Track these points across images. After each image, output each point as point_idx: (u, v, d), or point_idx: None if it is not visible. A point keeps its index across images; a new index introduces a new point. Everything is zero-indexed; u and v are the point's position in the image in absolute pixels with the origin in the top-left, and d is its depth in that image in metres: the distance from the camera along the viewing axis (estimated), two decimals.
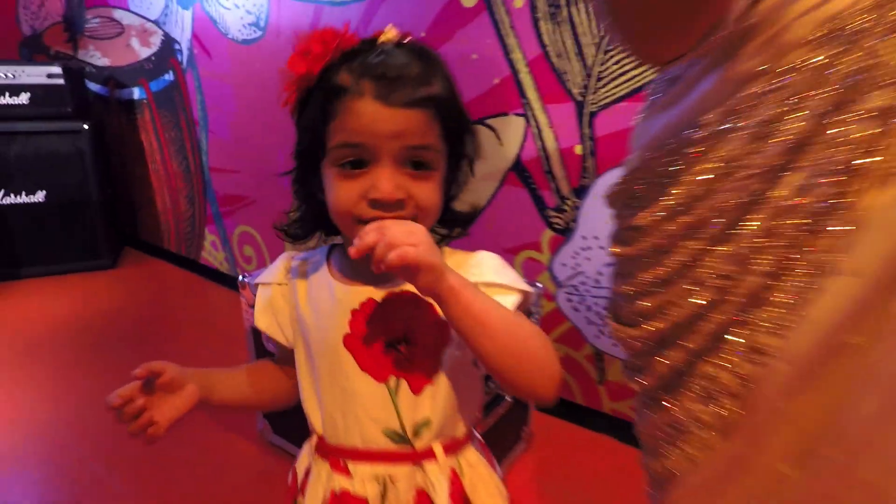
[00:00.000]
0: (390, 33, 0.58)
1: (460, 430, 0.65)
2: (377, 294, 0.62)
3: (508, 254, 1.70)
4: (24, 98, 2.60)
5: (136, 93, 2.86)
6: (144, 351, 2.11)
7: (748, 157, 0.42)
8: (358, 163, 0.56)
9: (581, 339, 1.62)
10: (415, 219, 0.57)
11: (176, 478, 1.44)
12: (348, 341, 0.61)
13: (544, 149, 1.56)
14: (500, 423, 1.37)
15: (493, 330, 0.53)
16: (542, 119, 1.53)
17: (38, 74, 2.59)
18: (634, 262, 0.54)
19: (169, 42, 2.57)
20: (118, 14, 2.79)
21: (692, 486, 0.50)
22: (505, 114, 1.60)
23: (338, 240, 0.70)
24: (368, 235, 0.50)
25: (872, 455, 0.41)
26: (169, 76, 2.64)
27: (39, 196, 2.70)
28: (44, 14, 3.08)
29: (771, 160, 0.41)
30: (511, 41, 1.52)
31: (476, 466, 0.67)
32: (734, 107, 0.43)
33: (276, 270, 0.71)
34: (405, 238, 0.49)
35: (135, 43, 2.76)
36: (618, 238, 0.57)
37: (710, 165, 0.45)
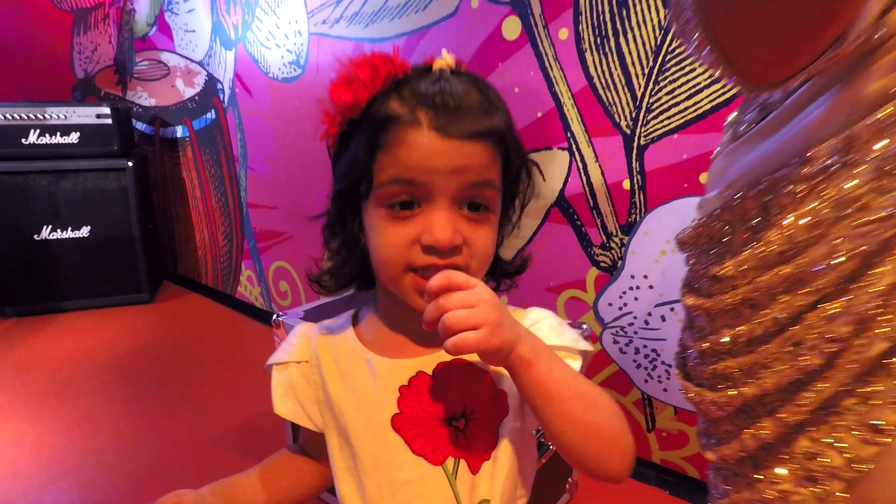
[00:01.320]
0: (447, 59, 0.52)
1: None
2: (428, 366, 0.55)
3: (551, 293, 1.62)
4: (74, 137, 2.69)
5: (180, 131, 2.94)
6: (181, 384, 2.10)
7: (872, 197, 0.35)
8: (409, 203, 0.50)
9: (628, 384, 1.53)
10: (467, 268, 0.51)
11: None
12: (398, 423, 0.54)
13: (590, 184, 1.49)
14: (543, 473, 1.27)
15: (568, 403, 0.46)
16: (588, 153, 1.48)
17: (87, 115, 2.68)
18: (715, 316, 0.47)
19: (212, 82, 2.64)
20: (165, 56, 2.88)
21: None
22: (549, 148, 1.55)
23: (366, 309, 0.63)
24: (428, 311, 0.44)
25: None
26: (211, 115, 2.70)
27: (84, 231, 2.76)
28: (96, 58, 3.22)
29: None
30: (555, 73, 1.48)
31: None
32: (856, 135, 0.36)
33: (293, 347, 0.63)
34: (465, 321, 0.43)
35: (179, 84, 2.84)
36: (693, 287, 0.50)
37: (820, 206, 0.38)
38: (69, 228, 2.73)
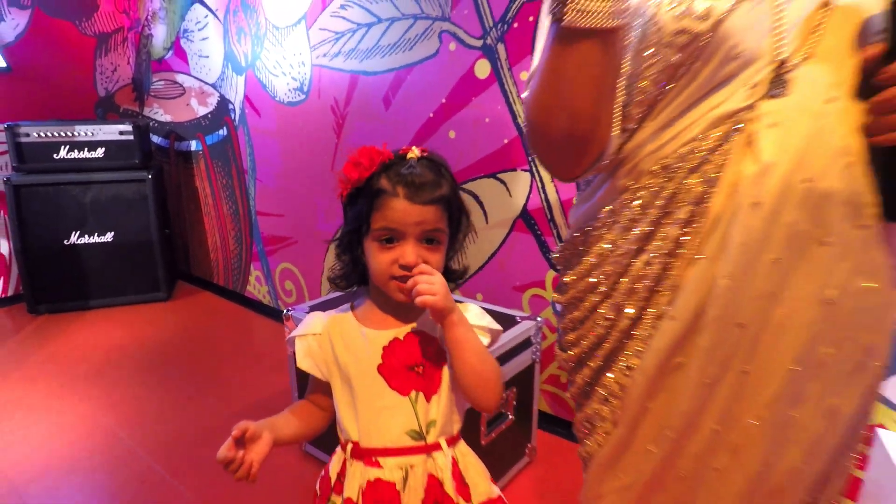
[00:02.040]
0: (414, 152, 0.83)
1: (455, 427, 0.88)
2: (400, 334, 0.85)
3: (517, 291, 1.93)
4: (99, 152, 2.99)
5: (194, 145, 3.24)
6: (197, 372, 2.40)
7: (621, 242, 0.65)
8: (391, 239, 0.80)
9: None
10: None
11: (226, 480, 1.69)
12: (381, 369, 0.84)
13: (547, 200, 1.79)
14: (502, 439, 1.58)
15: (468, 353, 0.78)
16: (545, 174, 1.78)
17: (111, 132, 2.98)
18: (565, 307, 0.77)
19: (224, 102, 2.94)
20: (180, 77, 3.18)
21: (598, 463, 0.72)
22: (514, 169, 1.85)
23: (360, 300, 0.93)
24: (421, 286, 0.76)
25: (689, 433, 0.63)
26: (223, 131, 3.00)
27: (108, 236, 3.06)
28: (116, 77, 3.52)
29: (632, 245, 0.64)
30: (518, 108, 1.78)
31: (467, 455, 0.89)
32: (614, 208, 0.66)
33: (310, 325, 0.93)
34: (429, 288, 0.75)
35: (194, 103, 3.14)
36: (558, 289, 0.80)
37: (603, 245, 0.68)
38: (95, 234, 3.03)
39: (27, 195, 2.89)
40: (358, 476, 0.85)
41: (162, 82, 3.33)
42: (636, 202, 0.64)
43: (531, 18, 1.70)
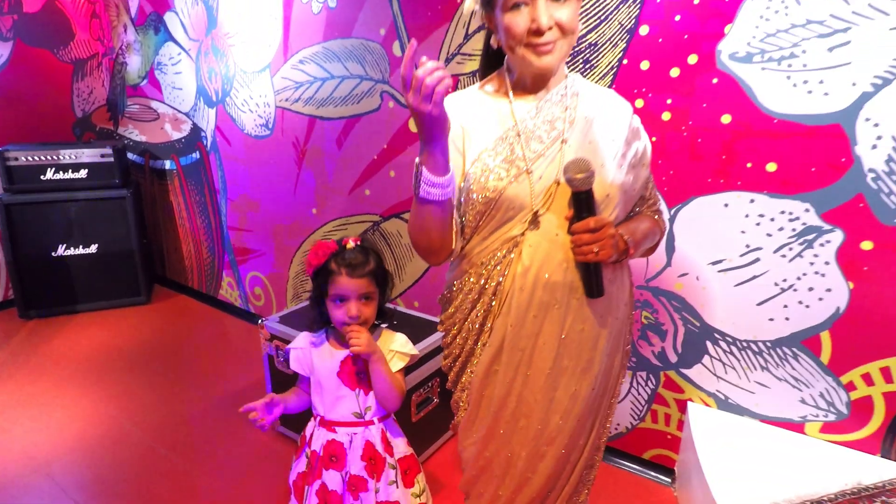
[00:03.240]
0: (350, 244, 1.30)
1: (379, 413, 1.37)
2: (347, 352, 1.34)
3: None
4: (83, 173, 3.33)
5: (168, 164, 3.60)
6: (179, 367, 2.82)
7: (464, 302, 1.13)
8: (340, 300, 1.27)
9: None
10: (365, 321, 1.29)
11: (209, 454, 2.14)
12: (339, 374, 1.33)
13: None
14: (430, 417, 2.07)
15: (379, 382, 1.28)
16: None
17: (93, 155, 3.33)
18: (443, 334, 1.25)
19: (197, 129, 3.32)
20: (154, 104, 3.54)
21: (462, 427, 1.21)
22: None
23: (326, 331, 1.41)
24: (352, 340, 1.23)
25: (503, 407, 1.12)
26: (196, 155, 3.38)
27: (93, 248, 3.42)
28: (92, 99, 3.83)
29: (468, 304, 1.12)
30: None
31: (392, 427, 1.39)
32: (461, 281, 1.14)
33: (299, 341, 1.41)
34: (356, 342, 1.23)
35: (168, 127, 3.50)
36: (440, 322, 1.27)
37: (456, 302, 1.16)
38: (80, 246, 3.39)
39: (17, 213, 3.22)
40: (321, 437, 1.36)
41: (137, 106, 3.66)
42: (471, 279, 1.12)
43: (450, 89, 2.16)
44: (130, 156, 3.84)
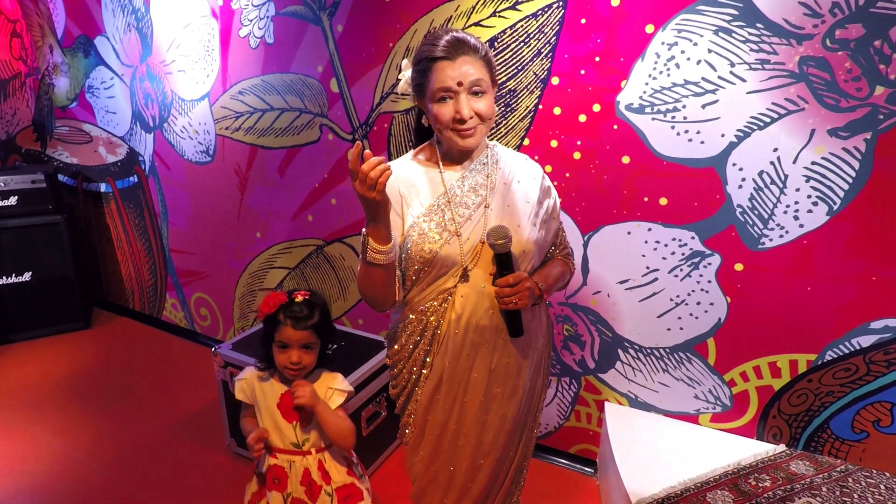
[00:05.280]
0: (299, 296, 1.46)
1: (323, 443, 1.54)
2: (287, 388, 1.51)
3: (387, 318, 2.59)
4: (13, 200, 3.28)
5: (103, 187, 3.58)
6: (129, 393, 2.86)
7: (407, 342, 1.32)
8: (286, 346, 1.44)
9: None
10: (305, 367, 1.46)
11: (167, 480, 2.25)
12: (279, 406, 1.49)
13: None
14: (379, 429, 2.27)
15: (327, 427, 1.46)
16: None
17: (24, 181, 3.28)
18: (390, 367, 1.44)
19: (134, 154, 3.33)
20: (87, 127, 3.50)
21: (410, 446, 1.40)
22: None
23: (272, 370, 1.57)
24: (297, 394, 1.40)
25: (445, 429, 1.33)
26: (133, 178, 3.39)
27: (27, 276, 3.37)
28: (16, 121, 3.73)
29: (411, 344, 1.31)
30: None
31: (329, 459, 1.55)
32: (404, 324, 1.33)
33: (246, 373, 1.56)
34: (301, 393, 1.41)
35: (102, 150, 3.48)
36: (387, 356, 1.46)
37: (401, 341, 1.35)
38: (13, 275, 3.33)
39: None
40: (268, 461, 1.53)
41: (66, 128, 3.61)
42: (412, 324, 1.32)
43: (385, 125, 2.34)
44: (61, 177, 3.77)
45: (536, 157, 1.97)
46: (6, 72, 3.63)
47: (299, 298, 1.47)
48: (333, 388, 1.53)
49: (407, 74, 1.29)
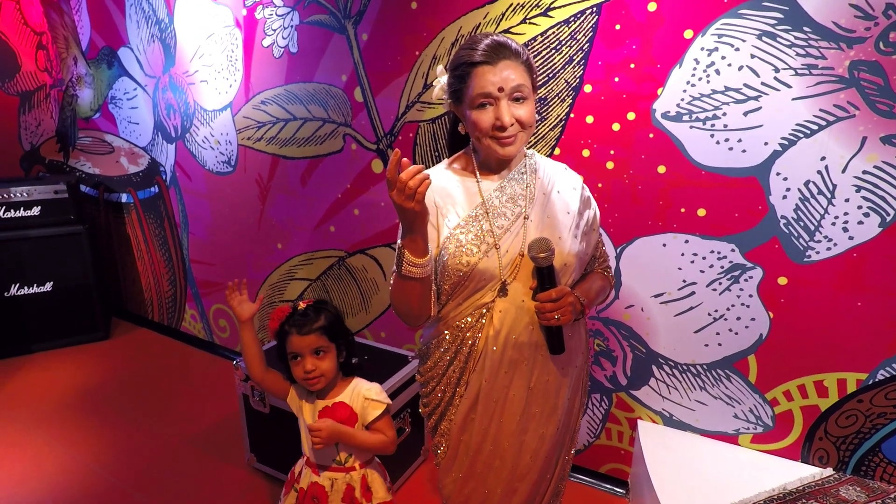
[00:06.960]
0: (303, 304, 1.42)
1: (366, 457, 1.49)
2: (329, 402, 1.45)
3: (411, 331, 2.54)
4: (35, 210, 3.28)
5: (125, 197, 3.58)
6: (147, 404, 2.82)
7: (441, 358, 1.27)
8: (296, 357, 1.40)
9: None
10: (323, 374, 1.41)
11: (186, 495, 2.20)
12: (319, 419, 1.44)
13: None
14: (403, 445, 2.20)
15: (360, 444, 1.42)
16: None
17: (47, 192, 3.29)
18: (421, 385, 1.39)
19: (155, 164, 3.32)
20: (109, 137, 3.51)
21: (442, 466, 1.34)
22: None
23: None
24: (314, 440, 1.36)
25: (480, 451, 1.27)
26: (154, 189, 3.39)
27: (48, 286, 3.37)
28: (40, 132, 3.76)
29: (445, 361, 1.25)
30: None
31: (373, 473, 1.51)
32: (438, 340, 1.27)
33: (293, 388, 1.52)
34: (318, 436, 1.35)
35: (124, 161, 3.49)
36: (418, 373, 1.41)
37: (434, 358, 1.29)
38: (35, 285, 3.33)
39: None
40: (308, 476, 1.47)
41: (90, 139, 3.63)
42: (447, 338, 1.26)
43: (410, 135, 2.30)
44: (83, 188, 3.78)
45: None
46: (31, 83, 3.66)
47: (302, 306, 1.43)
48: (370, 400, 1.47)
49: (443, 80, 1.24)
